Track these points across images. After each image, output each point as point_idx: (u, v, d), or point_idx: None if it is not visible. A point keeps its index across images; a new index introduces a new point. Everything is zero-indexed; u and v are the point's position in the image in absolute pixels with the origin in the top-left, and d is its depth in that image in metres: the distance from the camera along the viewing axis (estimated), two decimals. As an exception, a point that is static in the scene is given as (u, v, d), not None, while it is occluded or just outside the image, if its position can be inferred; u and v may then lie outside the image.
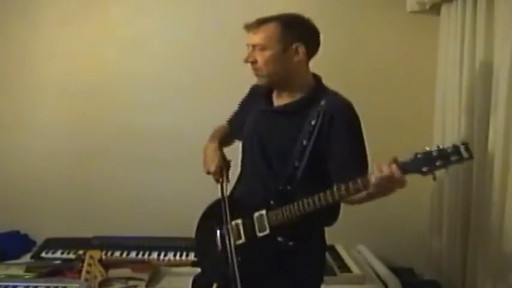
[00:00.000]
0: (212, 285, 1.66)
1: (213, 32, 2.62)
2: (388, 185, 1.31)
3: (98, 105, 2.72)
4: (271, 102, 1.67)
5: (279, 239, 1.54)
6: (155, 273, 2.29)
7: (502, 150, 1.99)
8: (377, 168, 1.31)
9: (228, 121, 1.93)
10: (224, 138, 1.85)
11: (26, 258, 2.51)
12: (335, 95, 1.62)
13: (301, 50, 1.56)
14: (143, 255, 2.50)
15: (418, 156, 1.27)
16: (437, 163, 1.22)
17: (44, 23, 2.69)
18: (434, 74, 2.57)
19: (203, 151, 1.79)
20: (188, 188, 2.59)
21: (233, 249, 1.56)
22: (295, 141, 1.55)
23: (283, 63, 1.56)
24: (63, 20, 2.67)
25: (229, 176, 1.71)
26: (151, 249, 2.52)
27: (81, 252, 2.43)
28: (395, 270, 2.36)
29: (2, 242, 2.58)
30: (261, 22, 1.57)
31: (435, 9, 2.49)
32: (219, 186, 1.70)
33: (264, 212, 1.55)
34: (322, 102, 1.55)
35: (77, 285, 2.06)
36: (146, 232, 2.60)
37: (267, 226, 1.54)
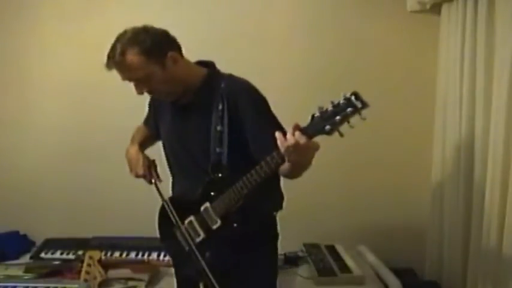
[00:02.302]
0: (199, 285, 1.63)
1: (212, 32, 2.62)
2: (300, 152, 1.28)
3: (97, 105, 2.72)
4: (177, 104, 1.67)
5: (235, 225, 1.55)
6: (155, 273, 2.29)
7: (503, 150, 1.98)
8: (280, 139, 1.29)
9: (144, 123, 1.96)
10: (144, 140, 1.89)
11: (25, 258, 2.51)
12: (231, 76, 1.64)
13: (174, 54, 1.55)
14: (143, 255, 2.49)
15: (316, 116, 1.24)
16: (337, 118, 1.20)
17: (43, 22, 2.68)
18: (434, 74, 2.57)
19: (125, 155, 1.85)
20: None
21: (194, 248, 1.58)
22: (209, 130, 1.57)
23: (172, 77, 1.56)
24: (62, 20, 2.67)
25: (159, 174, 1.76)
26: (150, 250, 2.51)
27: (80, 252, 2.43)
28: (396, 271, 2.36)
29: (1, 242, 2.57)
30: (120, 59, 1.52)
31: (436, 8, 2.48)
32: (153, 187, 1.74)
33: (208, 204, 1.57)
34: (222, 85, 1.58)
35: (76, 285, 2.05)
36: (146, 232, 2.58)
37: (217, 217, 1.55)
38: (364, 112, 1.18)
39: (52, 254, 2.52)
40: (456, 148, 2.34)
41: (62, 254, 2.52)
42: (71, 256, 2.48)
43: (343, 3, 2.61)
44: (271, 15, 2.63)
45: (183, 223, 1.65)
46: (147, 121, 1.95)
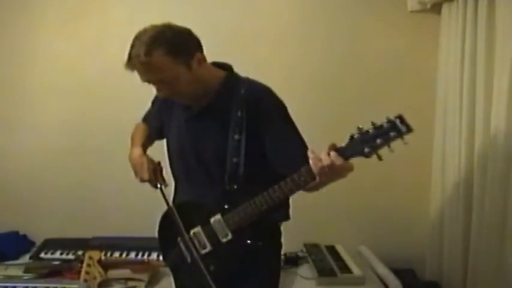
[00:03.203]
0: None
1: (212, 31, 2.61)
2: (334, 173, 1.24)
3: (98, 104, 2.71)
4: (190, 108, 1.57)
5: (248, 241, 1.49)
6: (155, 274, 2.29)
7: (503, 150, 1.98)
8: (315, 158, 1.24)
9: (143, 120, 1.86)
10: (145, 141, 1.78)
11: (25, 258, 2.51)
12: (251, 81, 1.55)
13: (200, 55, 1.47)
14: (143, 255, 2.49)
15: (355, 137, 1.20)
16: (378, 141, 1.15)
17: (43, 22, 2.68)
18: (435, 73, 2.56)
19: (129, 159, 1.72)
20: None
21: (199, 261, 1.50)
22: (226, 138, 1.48)
23: (197, 79, 1.47)
24: (63, 19, 2.67)
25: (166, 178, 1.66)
26: (150, 250, 2.51)
27: (80, 252, 2.43)
28: (396, 271, 2.35)
29: (1, 243, 2.57)
30: (145, 59, 1.39)
31: (436, 8, 2.48)
32: (159, 192, 1.63)
33: (219, 216, 1.49)
34: (242, 91, 1.50)
35: (76, 286, 2.05)
36: (146, 233, 2.58)
37: (228, 231, 1.47)
38: (406, 137, 1.13)
39: (52, 254, 2.52)
40: (456, 148, 2.34)
41: (61, 254, 2.52)
42: (71, 256, 2.48)
43: (343, 3, 2.61)
44: (270, 14, 2.62)
45: (188, 233, 1.56)
46: (147, 119, 1.86)
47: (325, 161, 1.22)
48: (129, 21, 2.67)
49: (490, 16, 2.09)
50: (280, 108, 1.51)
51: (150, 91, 2.90)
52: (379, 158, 1.18)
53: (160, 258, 2.45)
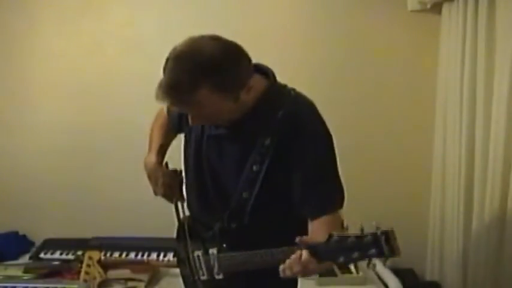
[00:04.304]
0: None
1: (212, 31, 2.61)
2: (304, 271, 1.09)
3: (97, 105, 2.71)
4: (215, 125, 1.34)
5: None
6: (154, 274, 2.29)
7: (504, 151, 1.98)
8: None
9: (167, 111, 1.58)
10: (164, 141, 1.57)
11: (25, 259, 2.51)
12: (294, 100, 1.30)
13: (250, 83, 1.21)
14: (142, 256, 2.49)
15: (333, 240, 1.04)
16: (354, 255, 1.00)
17: (43, 22, 2.67)
18: (435, 73, 2.56)
19: (144, 166, 1.54)
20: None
21: (199, 284, 1.39)
22: (242, 167, 1.27)
23: (240, 107, 1.22)
24: (62, 19, 2.66)
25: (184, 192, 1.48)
26: (150, 250, 2.51)
27: (80, 253, 2.42)
28: (396, 271, 2.35)
29: (0, 243, 2.57)
30: (185, 95, 1.13)
31: (436, 8, 2.47)
32: (173, 208, 1.49)
33: (215, 251, 1.32)
34: (280, 114, 1.25)
35: (76, 286, 2.06)
36: (145, 233, 2.59)
37: (220, 271, 1.32)
38: (390, 259, 1.00)
39: (51, 254, 2.52)
40: (457, 148, 2.33)
41: (61, 254, 2.52)
42: (71, 256, 2.48)
43: (343, 3, 2.60)
44: (271, 14, 2.62)
45: (193, 252, 1.41)
46: (170, 109, 1.55)
47: (294, 258, 1.09)
48: (129, 21, 2.67)
49: (491, 16, 2.08)
50: (321, 143, 1.27)
51: (150, 91, 2.91)
52: (357, 270, 1.08)
53: (160, 258, 2.47)
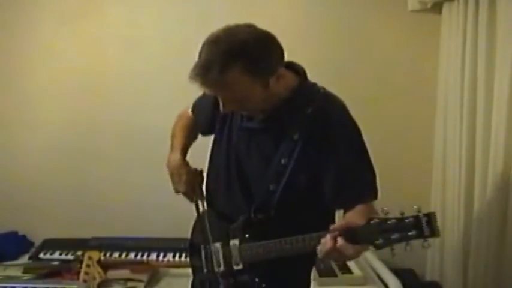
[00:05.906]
0: None
1: (212, 31, 2.61)
2: (340, 258, 1.12)
3: (97, 105, 2.70)
4: (247, 118, 1.39)
5: (256, 279, 1.36)
6: (154, 274, 2.28)
7: (504, 150, 1.98)
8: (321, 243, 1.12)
9: (192, 110, 1.64)
10: (187, 141, 1.61)
11: (24, 259, 2.50)
12: (324, 97, 1.35)
13: (280, 70, 1.27)
14: (142, 256, 2.48)
15: (372, 223, 1.07)
16: (394, 236, 1.04)
17: (42, 21, 2.67)
18: (435, 73, 2.56)
19: (166, 165, 1.56)
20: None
21: (211, 276, 1.42)
22: (271, 160, 1.31)
23: (271, 95, 1.27)
24: (61, 19, 2.66)
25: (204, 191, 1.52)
26: (150, 250, 2.50)
27: (79, 253, 2.41)
28: (396, 272, 2.34)
29: (0, 243, 2.56)
30: (218, 77, 1.18)
31: (437, 8, 2.48)
32: (194, 205, 1.52)
33: (237, 242, 1.36)
34: (309, 111, 1.30)
35: (75, 286, 2.05)
36: (145, 233, 2.58)
37: (240, 261, 1.35)
38: (430, 240, 1.00)
39: (51, 254, 2.51)
40: (457, 147, 2.33)
41: (60, 254, 2.51)
42: (70, 257, 2.47)
43: (343, 3, 2.60)
44: (270, 13, 2.62)
45: (212, 243, 1.44)
46: (197, 108, 1.61)
47: (329, 245, 1.11)
48: (129, 21, 2.67)
49: (491, 16, 2.08)
50: (352, 137, 1.32)
51: (150, 91, 2.91)
52: (393, 254, 1.08)
53: (160, 258, 2.46)
